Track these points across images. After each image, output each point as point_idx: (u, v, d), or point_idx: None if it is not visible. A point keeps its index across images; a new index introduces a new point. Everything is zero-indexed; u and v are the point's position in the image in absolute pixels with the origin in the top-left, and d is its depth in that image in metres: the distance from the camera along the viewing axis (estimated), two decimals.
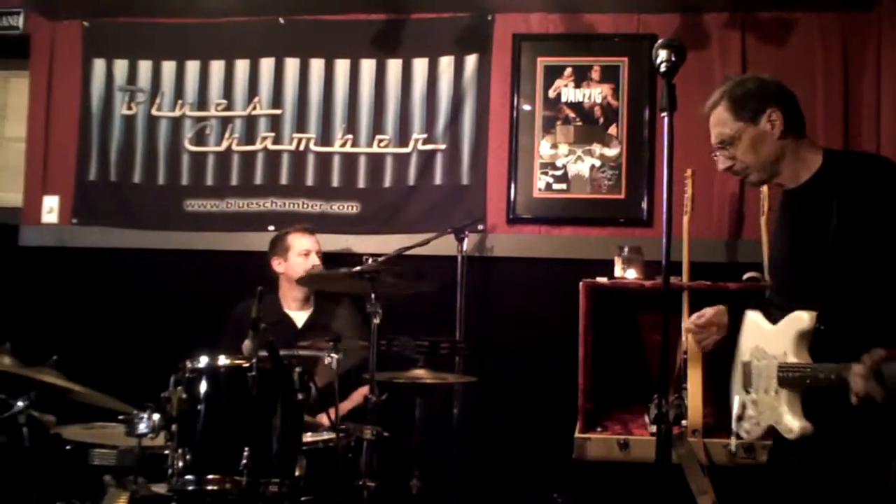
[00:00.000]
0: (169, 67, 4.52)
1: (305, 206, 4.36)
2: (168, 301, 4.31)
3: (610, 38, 4.24)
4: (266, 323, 2.65)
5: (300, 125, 4.40)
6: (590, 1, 4.17)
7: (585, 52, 4.24)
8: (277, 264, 3.91)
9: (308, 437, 2.95)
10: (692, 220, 3.71)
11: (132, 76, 4.55)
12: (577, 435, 3.42)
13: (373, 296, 3.16)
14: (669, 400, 3.35)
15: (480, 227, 4.22)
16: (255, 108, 4.44)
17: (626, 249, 3.76)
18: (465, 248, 4.02)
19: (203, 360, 2.67)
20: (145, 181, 4.49)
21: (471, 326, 3.98)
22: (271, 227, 4.24)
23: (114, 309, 4.38)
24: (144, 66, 4.54)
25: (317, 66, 4.41)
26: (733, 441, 3.09)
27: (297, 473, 2.64)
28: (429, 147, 4.30)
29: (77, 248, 4.49)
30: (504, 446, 4.04)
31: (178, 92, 4.50)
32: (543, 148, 4.23)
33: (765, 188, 3.60)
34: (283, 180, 4.39)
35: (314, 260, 3.86)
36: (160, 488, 2.68)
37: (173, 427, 2.60)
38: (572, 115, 4.22)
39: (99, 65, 4.58)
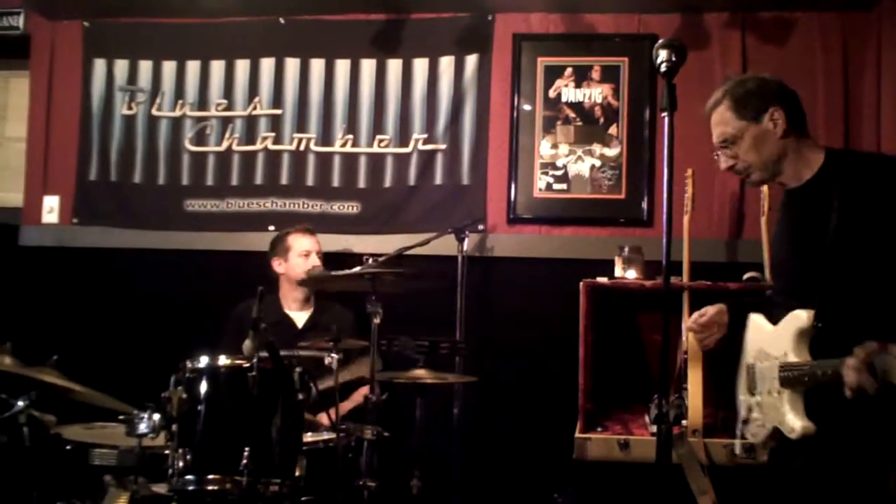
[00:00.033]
0: (169, 67, 4.52)
1: (306, 206, 4.36)
2: (168, 301, 4.31)
3: (610, 38, 4.24)
4: (266, 323, 2.65)
5: (300, 125, 4.40)
6: (590, 1, 4.18)
7: (586, 52, 4.24)
8: (278, 265, 3.91)
9: (308, 437, 2.96)
10: (692, 220, 3.71)
11: (132, 76, 4.55)
12: (577, 435, 3.42)
13: (373, 296, 3.17)
14: (670, 400, 3.35)
15: (481, 227, 4.22)
16: (255, 108, 4.44)
17: (626, 249, 3.76)
18: (465, 248, 4.01)
19: (203, 360, 2.67)
20: (146, 181, 4.49)
21: (471, 326, 3.98)
22: (271, 227, 4.24)
23: (114, 309, 4.38)
24: (145, 66, 4.54)
25: (317, 66, 4.41)
26: (738, 443, 3.08)
27: (297, 473, 2.64)
28: (429, 147, 4.30)
29: (77, 248, 4.50)
30: (504, 446, 4.05)
31: (179, 92, 4.50)
32: (544, 148, 4.23)
33: (765, 188, 3.60)
34: (284, 180, 4.39)
35: (314, 260, 3.85)
36: (160, 488, 2.68)
37: (174, 427, 2.60)
38: (573, 115, 4.22)
39: (99, 65, 4.58)
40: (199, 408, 2.61)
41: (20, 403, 2.78)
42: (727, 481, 3.10)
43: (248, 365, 2.60)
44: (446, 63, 4.31)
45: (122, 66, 4.56)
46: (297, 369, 2.70)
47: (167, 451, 2.63)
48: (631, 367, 3.78)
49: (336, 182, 4.36)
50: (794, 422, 2.16)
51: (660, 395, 2.11)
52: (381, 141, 4.34)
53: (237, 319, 3.71)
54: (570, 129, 4.22)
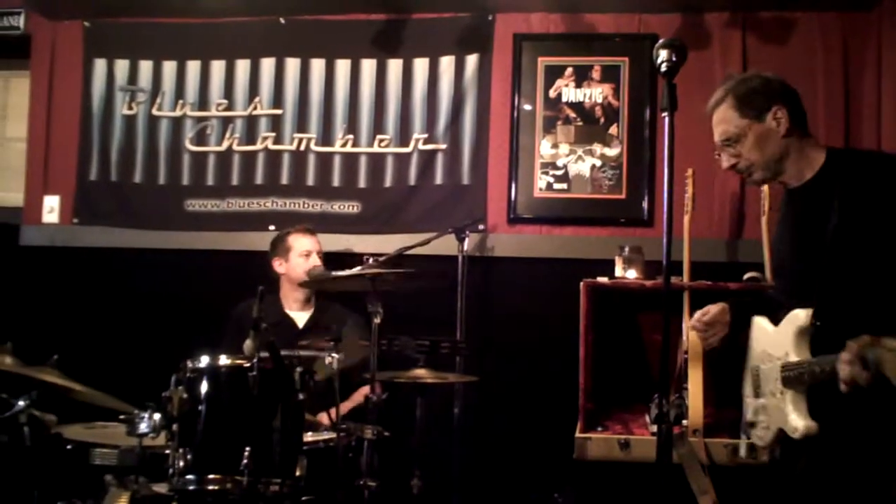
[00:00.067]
0: (170, 67, 4.52)
1: (306, 205, 4.36)
2: (169, 301, 4.31)
3: (611, 37, 4.24)
4: (267, 323, 2.65)
5: (301, 125, 4.40)
6: (590, 1, 4.18)
7: (586, 52, 4.24)
8: (278, 265, 3.91)
9: (309, 437, 2.95)
10: (693, 220, 3.71)
11: (133, 76, 4.55)
12: (577, 435, 3.42)
13: (374, 296, 3.17)
14: (670, 400, 3.34)
15: (481, 226, 4.22)
16: (255, 108, 4.44)
17: (626, 249, 3.76)
18: (465, 247, 4.01)
19: (204, 360, 2.67)
20: (146, 181, 4.49)
21: (471, 326, 3.98)
22: (272, 227, 4.24)
23: (115, 309, 4.38)
24: (145, 66, 4.54)
25: (317, 66, 4.41)
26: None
27: (297, 473, 2.64)
28: (429, 147, 4.30)
29: (78, 247, 4.50)
30: (505, 446, 4.05)
31: (179, 92, 4.50)
32: (544, 148, 4.23)
33: (765, 188, 3.60)
34: (284, 180, 4.39)
35: (315, 260, 3.85)
36: (161, 488, 2.68)
37: (174, 427, 2.60)
38: (573, 114, 4.22)
39: (100, 65, 4.58)
40: (200, 407, 2.61)
41: (21, 403, 2.78)
42: (728, 481, 3.10)
43: (248, 365, 2.60)
44: (447, 63, 4.31)
45: (122, 66, 4.56)
46: (298, 369, 2.70)
47: (168, 451, 2.63)
48: (631, 366, 3.78)
49: (336, 182, 4.36)
50: (797, 422, 2.15)
51: (660, 394, 2.11)
52: (381, 141, 4.34)
53: (238, 319, 3.71)
54: (571, 128, 4.22)
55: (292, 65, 4.43)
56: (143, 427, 2.63)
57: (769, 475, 2.43)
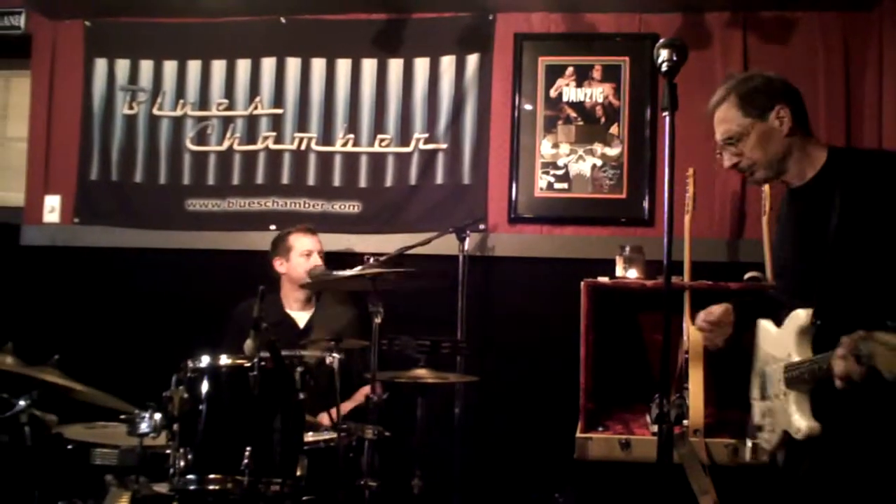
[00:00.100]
0: (170, 67, 4.52)
1: (307, 205, 4.36)
2: (170, 300, 4.31)
3: (611, 37, 4.23)
4: (267, 323, 2.65)
5: (301, 125, 4.40)
6: (591, 0, 4.17)
7: (587, 52, 4.24)
8: (279, 265, 3.91)
9: (309, 437, 2.95)
10: (693, 220, 3.71)
11: (134, 76, 4.55)
12: (578, 434, 3.42)
13: (374, 295, 3.17)
14: (671, 399, 3.34)
15: (482, 226, 4.22)
16: (256, 108, 4.44)
17: (627, 249, 3.76)
18: (466, 247, 4.01)
19: (205, 360, 2.68)
20: (147, 181, 4.49)
21: (472, 326, 3.98)
22: (273, 227, 4.24)
23: (115, 308, 4.38)
24: (146, 66, 4.54)
25: (318, 65, 4.41)
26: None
27: (298, 473, 2.64)
28: (430, 147, 4.30)
29: (78, 247, 4.50)
30: (505, 446, 4.05)
31: (180, 91, 4.50)
32: (545, 147, 4.23)
33: (766, 187, 3.60)
34: (285, 180, 4.39)
35: (316, 260, 3.85)
36: (162, 488, 2.68)
37: (175, 427, 2.60)
38: (574, 114, 4.22)
39: (100, 64, 4.58)
40: (201, 407, 2.62)
41: (22, 403, 2.78)
42: (728, 481, 3.10)
43: (249, 364, 2.60)
44: (447, 63, 4.31)
45: (123, 65, 4.56)
46: (299, 369, 2.70)
47: (168, 451, 2.63)
48: (632, 366, 3.78)
49: (337, 181, 4.36)
50: (800, 422, 2.14)
51: (661, 394, 2.10)
52: (382, 140, 4.34)
53: (238, 319, 3.70)
54: (572, 128, 4.22)
55: (293, 64, 4.43)
56: (144, 427, 2.63)
57: (770, 475, 2.42)
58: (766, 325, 2.41)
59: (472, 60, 4.29)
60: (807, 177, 2.31)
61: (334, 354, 3.07)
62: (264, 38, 4.45)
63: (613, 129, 4.19)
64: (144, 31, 4.54)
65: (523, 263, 4.21)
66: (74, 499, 2.86)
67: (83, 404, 3.03)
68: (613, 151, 4.18)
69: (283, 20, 4.45)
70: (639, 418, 3.58)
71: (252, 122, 4.44)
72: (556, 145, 4.22)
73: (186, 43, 4.50)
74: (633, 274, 3.71)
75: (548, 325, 4.01)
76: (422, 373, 3.16)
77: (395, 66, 4.35)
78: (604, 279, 3.67)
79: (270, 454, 2.59)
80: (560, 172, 4.21)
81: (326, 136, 4.38)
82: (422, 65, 4.33)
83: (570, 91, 4.23)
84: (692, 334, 3.42)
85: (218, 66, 4.48)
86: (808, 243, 2.26)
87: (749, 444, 2.55)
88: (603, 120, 4.20)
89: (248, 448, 2.52)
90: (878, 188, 2.17)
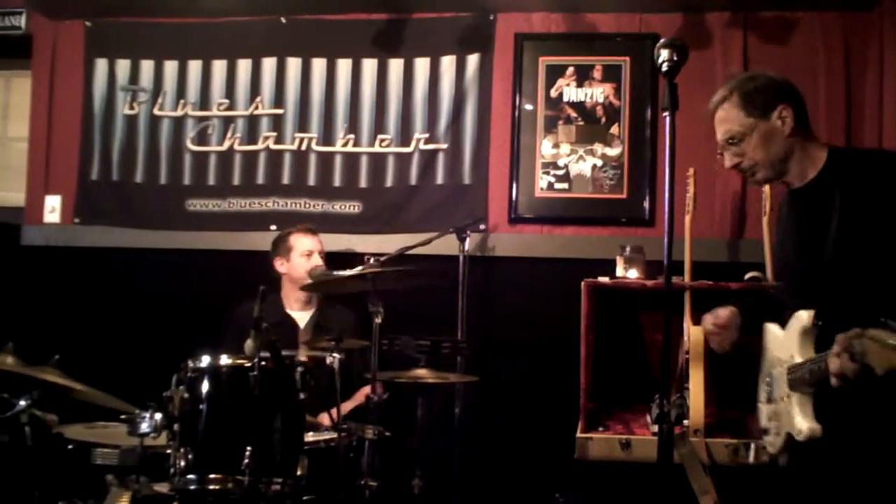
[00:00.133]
0: (171, 67, 4.52)
1: (307, 205, 4.37)
2: (170, 301, 4.31)
3: (612, 37, 4.24)
4: (268, 323, 2.65)
5: (302, 125, 4.40)
6: (592, 0, 4.18)
7: (587, 52, 4.24)
8: (280, 265, 3.90)
9: (310, 437, 2.95)
10: (694, 220, 3.71)
11: (134, 76, 4.56)
12: (578, 434, 3.42)
13: (375, 295, 3.17)
14: (671, 399, 3.34)
15: (482, 226, 4.22)
16: (256, 108, 4.44)
17: (627, 249, 3.76)
18: (466, 247, 4.01)
19: (205, 360, 2.68)
20: (147, 181, 4.50)
21: (472, 326, 3.98)
22: (273, 227, 4.24)
23: (116, 308, 4.39)
24: (146, 66, 4.55)
25: (318, 65, 4.41)
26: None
27: (298, 473, 2.64)
28: (430, 147, 4.30)
29: (79, 247, 4.50)
30: (506, 446, 4.05)
31: (180, 91, 4.50)
32: (545, 147, 4.23)
33: (767, 188, 3.60)
34: (285, 180, 4.39)
35: (317, 260, 3.85)
36: (162, 488, 2.68)
37: (175, 426, 2.60)
38: (574, 114, 4.22)
39: (101, 64, 4.58)
40: (201, 407, 2.62)
41: (22, 403, 2.78)
42: (729, 481, 3.10)
43: (249, 364, 2.60)
44: (448, 63, 4.31)
45: (123, 65, 4.57)
46: (299, 369, 2.70)
47: (169, 451, 2.63)
48: (632, 366, 3.78)
49: (337, 182, 4.36)
50: (802, 423, 2.13)
51: (661, 394, 2.10)
52: (382, 140, 4.34)
53: (239, 319, 3.69)
54: (572, 128, 4.22)
55: (293, 64, 4.43)
56: (145, 427, 2.63)
57: (771, 476, 2.42)
58: (772, 329, 2.40)
59: (473, 60, 4.29)
60: (807, 177, 2.30)
61: (334, 354, 3.07)
62: (265, 38, 4.45)
63: (614, 129, 4.19)
64: (145, 31, 4.54)
65: (524, 263, 4.21)
66: (75, 499, 2.86)
67: (83, 404, 3.03)
68: (614, 151, 4.18)
69: (283, 20, 4.45)
70: (639, 418, 3.58)
71: (252, 122, 4.44)
72: (556, 145, 4.22)
73: (187, 43, 4.51)
74: (633, 274, 3.71)
75: (548, 325, 4.01)
76: (422, 373, 3.16)
77: (396, 66, 4.35)
78: (604, 279, 3.67)
79: (271, 454, 2.59)
80: (560, 172, 4.21)
81: (327, 137, 4.38)
82: (422, 65, 4.33)
83: (570, 91, 4.23)
84: (692, 334, 3.42)
85: (218, 66, 4.48)
86: (809, 244, 2.26)
87: (753, 446, 2.55)
88: (603, 120, 4.20)
89: (249, 448, 2.52)
90: (878, 188, 2.17)
